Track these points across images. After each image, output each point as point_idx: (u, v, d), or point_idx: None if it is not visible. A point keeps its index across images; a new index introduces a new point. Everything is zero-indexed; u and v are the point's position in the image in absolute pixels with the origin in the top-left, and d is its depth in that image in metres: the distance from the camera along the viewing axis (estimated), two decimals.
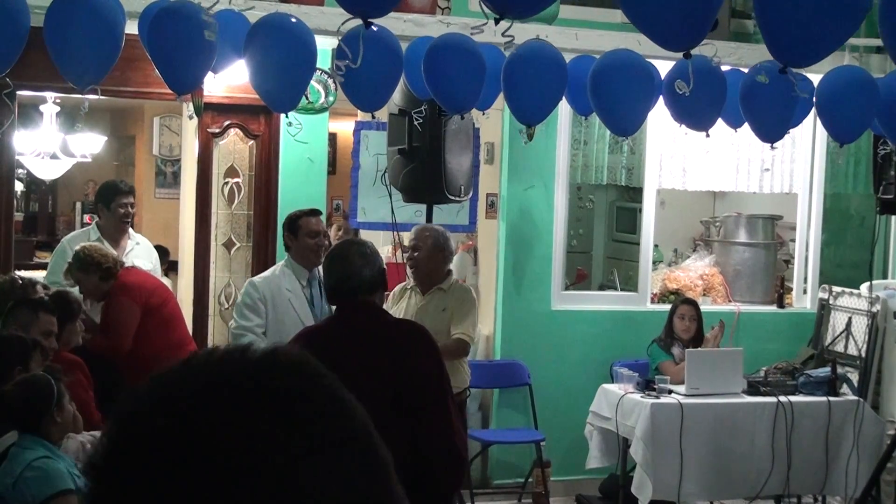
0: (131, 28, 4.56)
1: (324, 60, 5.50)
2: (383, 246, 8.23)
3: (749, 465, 6.29)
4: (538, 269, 7.28)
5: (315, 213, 5.55)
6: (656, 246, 7.93)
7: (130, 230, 6.42)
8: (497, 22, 3.67)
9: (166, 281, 6.73)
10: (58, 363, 4.23)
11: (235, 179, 6.99)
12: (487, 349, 7.37)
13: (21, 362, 4.06)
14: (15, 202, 7.55)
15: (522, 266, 7.26)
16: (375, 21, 4.09)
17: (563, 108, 6.26)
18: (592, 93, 5.02)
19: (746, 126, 5.13)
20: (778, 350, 7.34)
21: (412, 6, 6.32)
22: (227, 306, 6.96)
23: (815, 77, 5.22)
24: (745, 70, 5.12)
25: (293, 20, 4.69)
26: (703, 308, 7.01)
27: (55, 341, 4.62)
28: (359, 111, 6.79)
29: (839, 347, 7.16)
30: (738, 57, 6.52)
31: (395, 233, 6.91)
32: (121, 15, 4.40)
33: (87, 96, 4.51)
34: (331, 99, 6.46)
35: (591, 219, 9.46)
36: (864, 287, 7.15)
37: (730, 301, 7.85)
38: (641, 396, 6.26)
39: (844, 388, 6.63)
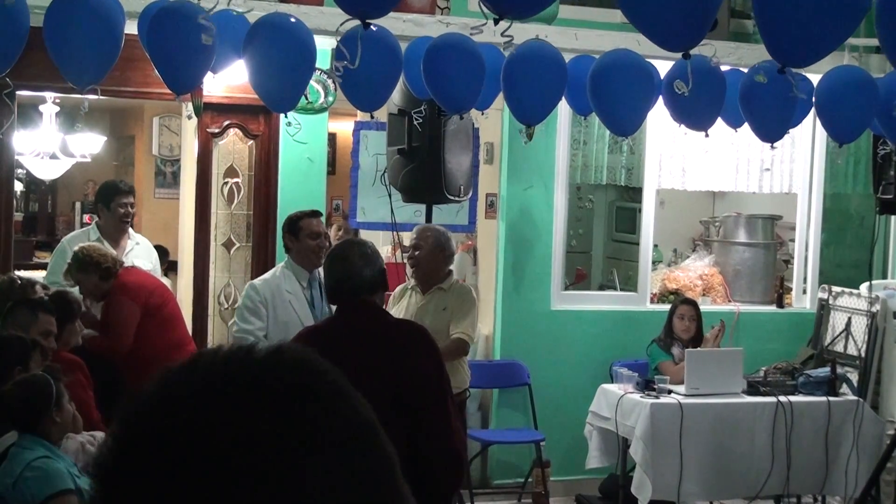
0: (131, 28, 4.56)
1: (323, 60, 5.50)
2: (383, 246, 8.24)
3: (749, 465, 6.29)
4: (538, 269, 7.28)
5: (316, 214, 5.53)
6: (656, 246, 7.93)
7: (130, 230, 6.42)
8: (496, 22, 3.68)
9: (166, 281, 6.73)
10: (57, 363, 4.23)
11: (235, 179, 6.99)
12: (487, 349, 7.37)
13: (21, 362, 4.06)
14: (15, 202, 7.55)
15: (522, 266, 7.26)
16: (375, 21, 4.09)
17: (563, 108, 6.26)
18: (592, 93, 5.02)
19: (746, 126, 5.13)
20: (777, 350, 7.34)
21: (411, 6, 6.32)
22: (226, 306, 6.96)
23: (814, 77, 5.22)
24: (745, 70, 5.12)
25: (292, 20, 4.69)
26: (702, 308, 7.02)
27: (54, 341, 4.62)
28: (358, 111, 6.79)
29: (839, 347, 7.16)
30: (737, 57, 6.52)
31: (395, 233, 6.91)
32: (121, 15, 4.40)
33: (86, 96, 4.51)
34: (330, 99, 6.46)
35: (591, 219, 9.46)
36: (863, 287, 7.15)
37: (729, 301, 7.85)
38: (641, 396, 6.26)
39: (844, 388, 6.63)
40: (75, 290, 5.53)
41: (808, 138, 7.78)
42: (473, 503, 6.65)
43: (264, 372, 0.83)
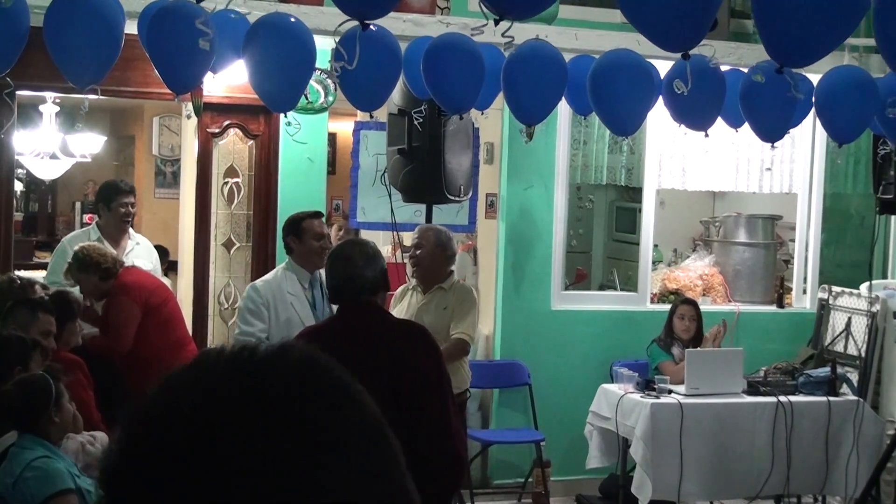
0: (131, 28, 4.56)
1: (323, 60, 5.50)
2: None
3: (749, 465, 6.29)
4: (538, 269, 7.28)
5: (318, 215, 5.52)
6: (656, 246, 7.93)
7: (131, 230, 6.42)
8: (497, 23, 3.68)
9: (166, 281, 6.73)
10: (57, 363, 4.23)
11: (235, 179, 6.99)
12: (487, 349, 7.37)
13: (21, 362, 4.06)
14: (15, 202, 7.55)
15: (522, 266, 7.26)
16: (374, 21, 4.08)
17: (563, 108, 6.26)
18: (592, 93, 5.02)
19: (747, 126, 5.13)
20: (778, 350, 7.34)
21: (411, 6, 6.32)
22: (226, 306, 6.96)
23: (814, 77, 5.22)
24: (745, 70, 5.12)
25: (292, 20, 4.69)
26: (702, 308, 7.02)
27: (54, 341, 4.62)
28: (358, 111, 6.79)
29: (839, 347, 7.16)
30: (737, 57, 6.52)
31: (395, 233, 6.91)
32: (121, 15, 4.40)
33: (86, 96, 4.51)
34: (330, 99, 6.46)
35: (591, 219, 9.46)
36: (863, 287, 7.15)
37: (729, 301, 7.85)
38: (641, 396, 6.26)
39: (844, 388, 6.63)
40: (75, 290, 5.53)
41: (808, 138, 7.78)
42: (473, 503, 6.65)
43: (269, 372, 0.82)
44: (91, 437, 4.10)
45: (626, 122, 5.08)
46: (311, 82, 5.66)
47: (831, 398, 6.45)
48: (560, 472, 7.09)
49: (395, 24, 5.50)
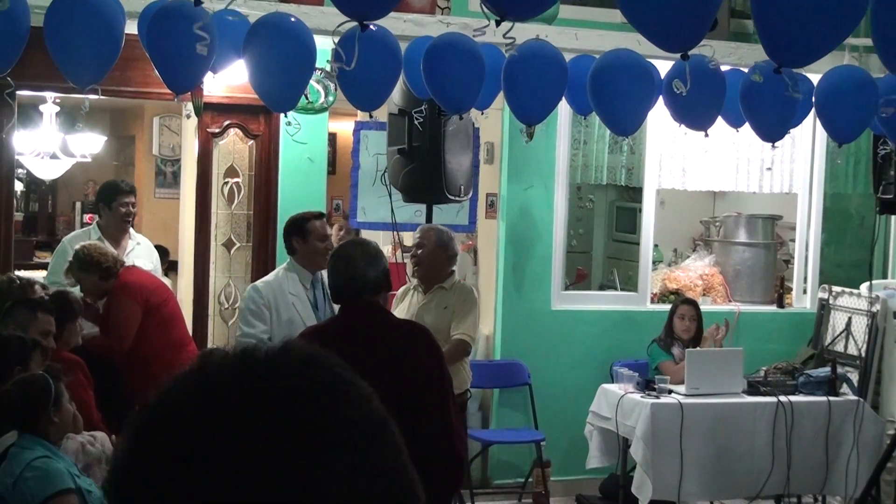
0: (131, 28, 4.56)
1: (323, 60, 5.50)
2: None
3: (749, 465, 6.29)
4: (538, 269, 7.28)
5: (321, 215, 5.52)
6: (656, 246, 7.93)
7: (131, 230, 6.42)
8: (498, 24, 3.67)
9: (166, 281, 6.73)
10: (58, 363, 4.23)
11: (235, 179, 6.99)
12: (487, 349, 7.37)
13: (21, 362, 4.06)
14: (15, 202, 7.55)
15: (522, 266, 7.26)
16: (374, 21, 4.08)
17: (563, 108, 6.25)
18: (592, 92, 5.01)
19: (747, 126, 5.13)
20: (778, 350, 7.34)
21: (412, 6, 6.31)
22: (226, 306, 6.96)
23: (814, 77, 5.22)
24: (745, 70, 5.12)
25: (292, 20, 4.69)
26: (703, 308, 7.01)
27: (53, 341, 4.62)
28: (358, 111, 6.79)
29: (839, 347, 7.16)
30: (737, 57, 6.52)
31: (395, 233, 6.91)
32: (121, 15, 4.40)
33: (87, 96, 4.51)
34: (330, 99, 6.45)
35: (591, 219, 9.46)
36: (863, 287, 7.15)
37: (730, 301, 7.85)
38: (641, 396, 6.26)
39: (844, 388, 6.63)
40: (76, 290, 5.53)
41: (808, 138, 7.78)
42: (474, 503, 6.65)
43: (270, 373, 0.82)
44: (91, 437, 4.10)
45: (626, 122, 5.08)
46: (312, 82, 5.66)
47: (831, 398, 6.45)
48: (560, 472, 7.09)
49: (396, 24, 5.50)
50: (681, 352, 6.68)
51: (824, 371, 6.59)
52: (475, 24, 4.33)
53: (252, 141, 6.98)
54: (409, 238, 6.69)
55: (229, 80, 6.10)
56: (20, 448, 3.57)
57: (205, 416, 0.79)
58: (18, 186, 10.60)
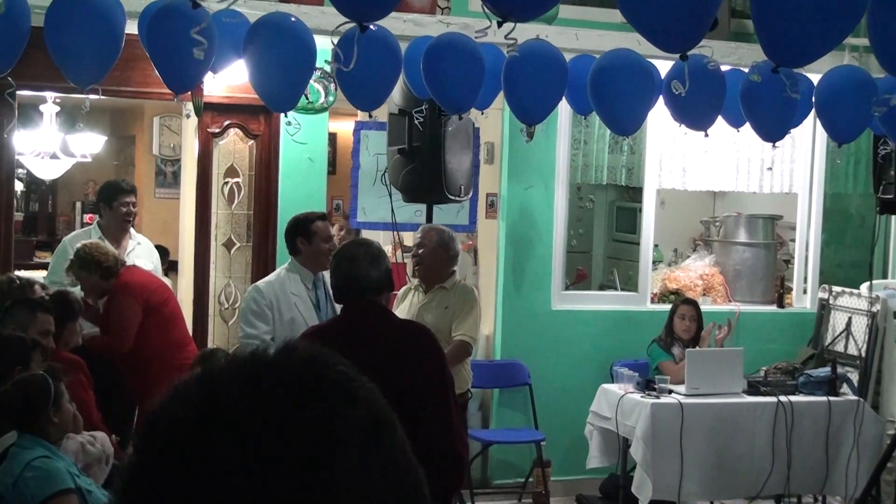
0: (131, 28, 4.56)
1: (323, 60, 5.50)
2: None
3: (749, 465, 6.29)
4: (538, 269, 7.28)
5: (324, 216, 5.52)
6: (656, 246, 7.93)
7: (132, 230, 6.42)
8: (500, 25, 3.67)
9: (166, 281, 6.73)
10: (58, 363, 4.23)
11: (235, 179, 6.99)
12: (487, 349, 7.37)
13: (21, 362, 4.06)
14: (15, 202, 7.55)
15: (522, 266, 7.26)
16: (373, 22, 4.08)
17: (563, 108, 6.26)
18: (592, 92, 5.01)
19: (747, 125, 5.13)
20: (778, 350, 7.34)
21: (412, 6, 6.31)
22: (226, 306, 6.96)
23: (814, 77, 5.22)
24: (746, 70, 5.12)
25: (292, 20, 4.69)
26: (703, 308, 7.02)
27: (53, 341, 4.62)
28: (359, 111, 6.79)
29: (839, 347, 7.16)
30: (737, 57, 6.52)
31: (395, 233, 6.92)
32: (121, 15, 4.39)
33: (87, 96, 4.51)
34: (330, 99, 6.45)
35: (591, 219, 9.46)
36: (864, 287, 7.15)
37: (730, 301, 7.85)
38: (641, 396, 6.26)
39: (844, 388, 6.63)
40: (76, 290, 5.53)
41: (808, 138, 7.78)
42: (474, 503, 6.66)
43: (273, 375, 0.82)
44: (91, 437, 4.10)
45: (626, 122, 5.08)
46: (312, 82, 5.66)
47: (831, 398, 6.45)
48: (560, 472, 7.09)
49: (396, 24, 5.50)
50: (681, 352, 6.68)
51: (824, 371, 6.59)
52: (475, 25, 4.33)
53: (252, 141, 6.98)
54: (409, 238, 6.69)
55: (229, 80, 6.10)
56: (20, 448, 3.58)
57: (209, 418, 0.79)
58: (18, 186, 10.60)
